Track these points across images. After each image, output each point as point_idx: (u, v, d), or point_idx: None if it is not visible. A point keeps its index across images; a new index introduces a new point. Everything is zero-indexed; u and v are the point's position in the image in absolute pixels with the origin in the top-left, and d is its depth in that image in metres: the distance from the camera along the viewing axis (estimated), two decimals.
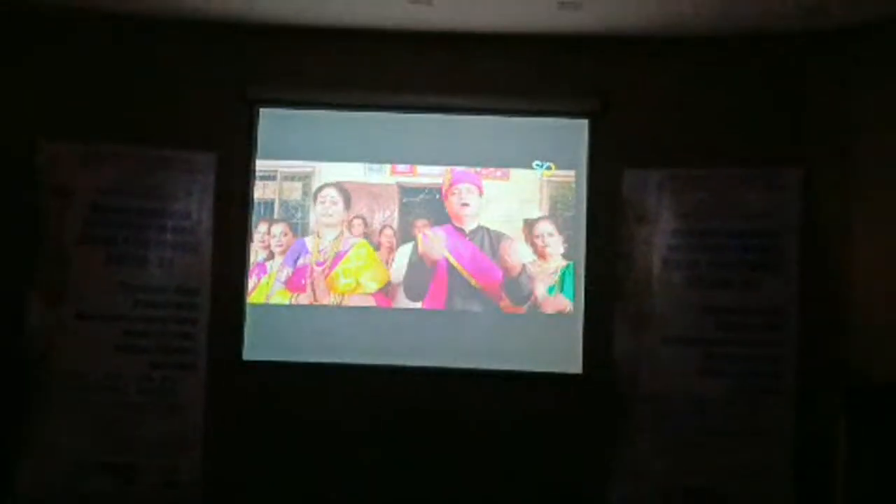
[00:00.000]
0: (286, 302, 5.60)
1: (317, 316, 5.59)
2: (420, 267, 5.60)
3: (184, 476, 5.28)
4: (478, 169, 5.64)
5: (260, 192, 5.63)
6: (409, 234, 5.62)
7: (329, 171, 5.64)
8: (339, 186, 5.64)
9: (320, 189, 5.64)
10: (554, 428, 5.43)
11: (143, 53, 5.53)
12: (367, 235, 5.63)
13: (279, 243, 5.63)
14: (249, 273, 5.59)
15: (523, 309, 5.56)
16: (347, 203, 5.63)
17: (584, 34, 5.44)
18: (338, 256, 5.62)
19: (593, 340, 5.46)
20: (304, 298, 5.60)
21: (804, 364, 5.13)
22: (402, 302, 5.58)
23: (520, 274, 5.57)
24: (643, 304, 5.35)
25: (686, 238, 5.35)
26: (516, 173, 5.63)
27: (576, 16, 5.18)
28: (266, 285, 5.60)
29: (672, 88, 5.50)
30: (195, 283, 5.38)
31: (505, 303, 5.57)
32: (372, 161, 5.65)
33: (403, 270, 5.60)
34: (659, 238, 5.39)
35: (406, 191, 5.65)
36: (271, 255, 5.63)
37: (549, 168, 5.63)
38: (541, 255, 5.59)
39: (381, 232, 5.63)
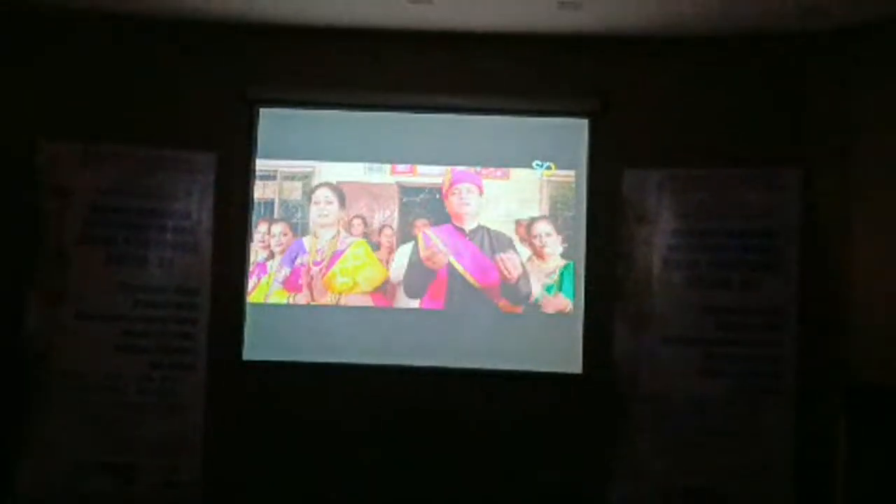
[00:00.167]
0: (284, 302, 5.61)
1: (315, 316, 5.59)
2: (420, 267, 5.60)
3: (184, 476, 5.28)
4: (478, 169, 5.64)
5: (260, 191, 5.63)
6: (408, 233, 5.62)
7: (329, 171, 5.64)
8: (334, 186, 5.64)
9: (315, 189, 5.65)
10: (554, 428, 5.43)
11: (143, 53, 5.54)
12: (366, 235, 5.63)
13: (279, 243, 5.64)
14: (249, 273, 5.60)
15: (522, 309, 5.56)
16: (342, 203, 5.64)
17: (584, 34, 5.44)
18: (335, 256, 5.62)
19: (593, 340, 5.47)
20: (301, 298, 5.60)
21: (804, 364, 5.13)
22: (402, 302, 5.58)
23: (518, 279, 5.58)
24: (643, 304, 5.35)
25: (686, 238, 5.35)
26: (516, 173, 5.63)
27: (576, 16, 5.18)
28: (265, 285, 5.61)
29: (672, 88, 5.50)
30: (195, 283, 5.38)
31: (504, 302, 5.58)
32: (372, 161, 5.65)
33: (403, 270, 5.60)
34: (659, 238, 5.38)
35: (406, 190, 5.65)
36: (271, 255, 5.63)
37: (549, 168, 5.63)
38: (538, 254, 5.59)
39: (380, 231, 5.63)
